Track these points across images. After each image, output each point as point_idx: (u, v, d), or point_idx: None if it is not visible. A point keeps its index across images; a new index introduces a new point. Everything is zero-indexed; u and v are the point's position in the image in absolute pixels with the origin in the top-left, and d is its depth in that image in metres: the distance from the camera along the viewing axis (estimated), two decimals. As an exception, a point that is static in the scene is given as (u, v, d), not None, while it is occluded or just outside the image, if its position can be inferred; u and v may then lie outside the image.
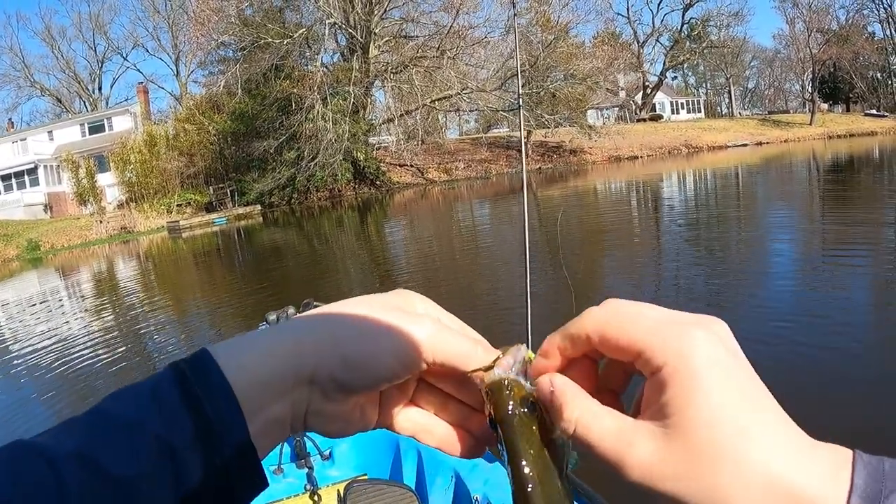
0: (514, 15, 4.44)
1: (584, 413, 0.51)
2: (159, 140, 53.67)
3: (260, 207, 48.69)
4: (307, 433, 3.64)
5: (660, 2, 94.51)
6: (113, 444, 0.50)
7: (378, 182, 53.10)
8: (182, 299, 16.99)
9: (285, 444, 3.87)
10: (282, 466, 3.85)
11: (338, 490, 3.22)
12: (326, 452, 4.02)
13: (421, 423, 0.64)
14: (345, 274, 17.47)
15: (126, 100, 78.56)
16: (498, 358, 0.58)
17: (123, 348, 11.82)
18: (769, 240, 15.72)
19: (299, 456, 3.82)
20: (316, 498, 3.50)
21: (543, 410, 0.55)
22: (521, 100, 4.53)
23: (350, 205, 44.96)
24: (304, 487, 3.65)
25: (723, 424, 0.45)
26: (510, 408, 0.55)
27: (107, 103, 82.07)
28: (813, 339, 7.58)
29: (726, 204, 25.03)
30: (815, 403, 5.63)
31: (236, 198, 50.36)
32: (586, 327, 0.53)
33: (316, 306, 3.11)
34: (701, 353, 0.48)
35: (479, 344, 0.60)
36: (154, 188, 51.62)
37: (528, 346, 0.53)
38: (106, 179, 53.42)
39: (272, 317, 4.12)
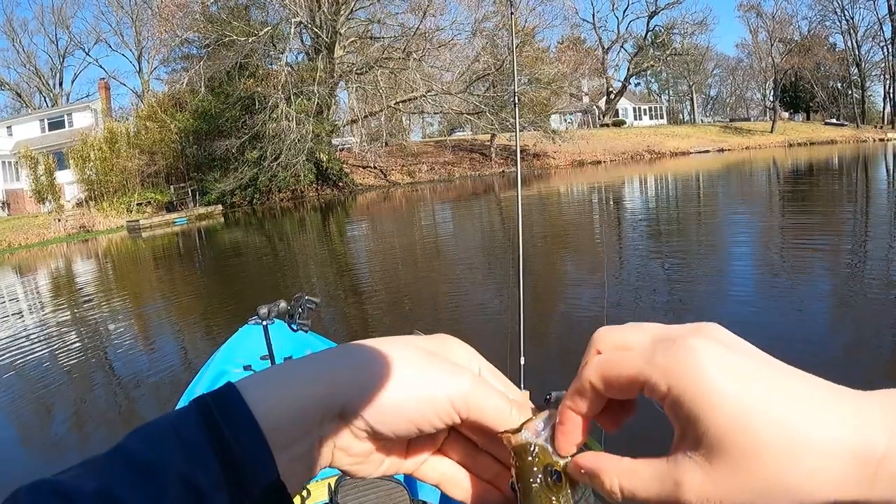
0: (512, 14, 4.41)
1: (621, 477, 0.51)
2: (120, 137, 52.97)
3: (221, 207, 48.26)
4: None
5: (625, 9, 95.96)
6: (136, 486, 0.49)
7: (341, 183, 52.94)
8: (140, 300, 16.80)
9: None
10: None
11: (329, 483, 3.17)
12: None
13: (448, 474, 0.62)
14: (306, 276, 17.37)
15: (87, 96, 77.79)
16: (529, 420, 0.58)
17: (79, 346, 11.73)
18: (729, 241, 16.00)
19: None
20: (305, 493, 3.44)
21: (568, 481, 0.56)
22: (516, 97, 4.50)
23: (312, 206, 44.78)
24: None
25: (754, 421, 0.44)
26: (532, 474, 0.56)
27: (67, 99, 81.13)
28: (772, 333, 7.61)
29: (688, 208, 25.27)
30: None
31: (197, 198, 49.93)
32: (589, 378, 0.54)
33: (309, 300, 3.09)
34: (700, 362, 0.47)
35: (514, 404, 0.58)
36: (114, 186, 50.98)
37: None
38: (65, 177, 52.60)
39: (263, 310, 4.14)
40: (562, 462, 0.57)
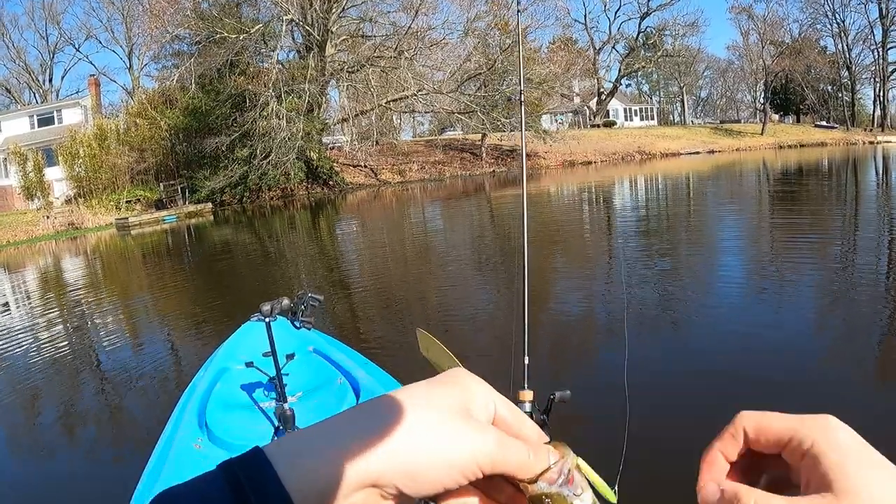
0: (519, 12, 4.32)
1: (760, 501, 0.57)
2: (110, 134, 52.81)
3: (211, 205, 48.11)
4: (298, 426, 3.68)
5: (617, 10, 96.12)
6: None
7: (331, 182, 52.82)
8: (129, 298, 16.72)
9: (276, 436, 3.83)
10: None
11: None
12: None
13: (466, 501, 0.62)
14: (296, 275, 17.27)
15: (77, 92, 77.29)
16: (546, 470, 0.60)
17: (67, 344, 11.65)
18: (721, 240, 16.04)
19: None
20: None
21: None
22: (522, 95, 4.42)
23: (302, 204, 44.70)
24: None
25: (878, 487, 0.53)
26: None
27: (57, 95, 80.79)
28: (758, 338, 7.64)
29: (678, 208, 25.26)
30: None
31: (187, 195, 49.77)
32: (743, 423, 0.63)
33: (312, 297, 2.97)
34: (838, 430, 0.57)
35: (532, 449, 0.60)
36: (103, 183, 50.79)
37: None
38: (54, 173, 52.39)
39: (266, 307, 4.12)
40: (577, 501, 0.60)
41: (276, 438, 3.70)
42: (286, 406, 3.68)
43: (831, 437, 0.57)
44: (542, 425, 2.47)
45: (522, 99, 4.25)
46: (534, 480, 0.60)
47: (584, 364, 7.91)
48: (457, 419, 0.59)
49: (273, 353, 4.14)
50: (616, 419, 6.41)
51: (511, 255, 17.01)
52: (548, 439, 0.64)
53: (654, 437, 5.81)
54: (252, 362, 4.40)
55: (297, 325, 4.26)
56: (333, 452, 0.55)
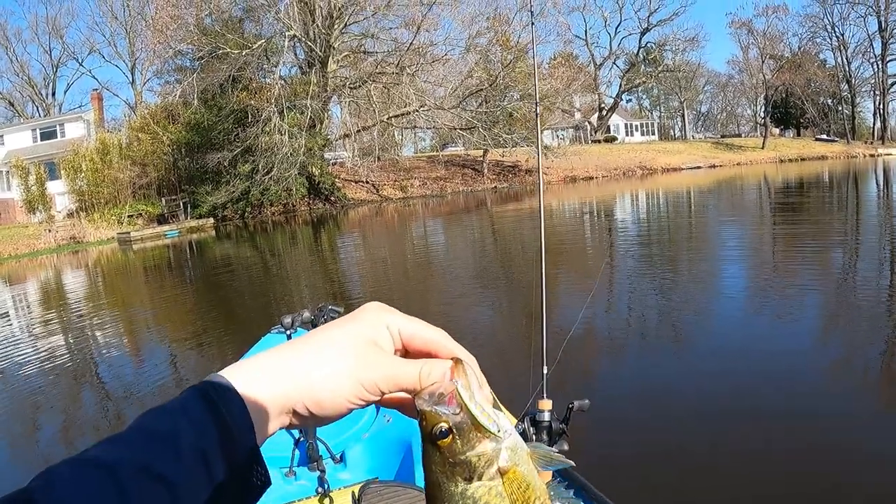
0: (532, 24, 4.32)
1: None
2: (112, 148, 52.84)
3: (213, 221, 48.17)
4: (319, 437, 3.76)
5: (617, 26, 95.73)
6: (161, 453, 0.62)
7: (333, 198, 52.83)
8: (130, 313, 16.71)
9: (297, 447, 3.84)
10: (294, 469, 3.80)
11: (353, 492, 3.17)
12: (338, 456, 3.96)
13: (398, 401, 0.77)
14: (297, 291, 17.27)
15: (80, 106, 77.21)
16: (423, 389, 0.71)
17: (67, 358, 11.66)
18: (725, 255, 16.07)
19: (311, 459, 3.76)
20: (328, 501, 3.49)
21: (455, 435, 0.68)
22: (538, 107, 4.47)
23: (304, 220, 44.70)
24: (316, 490, 3.62)
25: None
26: (424, 433, 0.69)
27: (60, 109, 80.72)
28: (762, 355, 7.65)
29: (679, 224, 25.31)
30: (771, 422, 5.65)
31: (189, 210, 49.82)
32: None
33: (332, 310, 3.02)
34: None
35: (428, 368, 0.72)
36: (105, 198, 50.83)
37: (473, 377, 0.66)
38: (56, 187, 52.42)
39: (287, 319, 4.16)
40: (453, 420, 0.68)
41: (295, 450, 3.74)
42: (307, 417, 3.71)
43: None
44: (562, 434, 2.49)
45: (539, 111, 4.27)
46: (414, 398, 0.71)
47: (596, 374, 7.93)
48: (354, 352, 0.73)
49: None
50: (630, 426, 6.47)
51: (519, 269, 17.09)
52: (458, 359, 0.72)
53: (648, 441, 5.84)
54: None
55: None
56: (268, 381, 0.70)
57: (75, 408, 8.94)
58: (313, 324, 4.21)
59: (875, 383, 7.17)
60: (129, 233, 43.11)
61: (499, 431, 0.69)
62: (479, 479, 0.69)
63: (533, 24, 3.98)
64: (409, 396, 0.74)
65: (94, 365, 11.32)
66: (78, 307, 18.63)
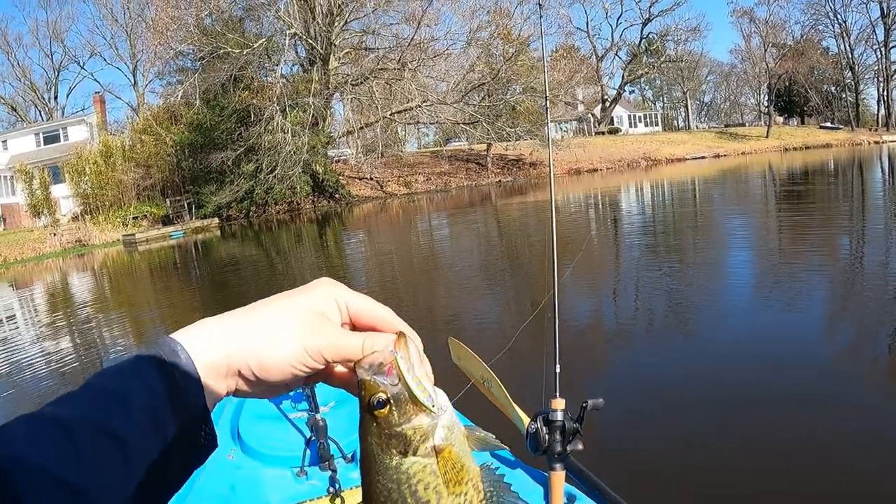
0: (541, 17, 4.26)
1: None
2: (115, 151, 52.91)
3: (217, 220, 48.19)
4: (331, 437, 3.64)
5: (619, 17, 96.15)
6: (114, 411, 0.65)
7: (337, 195, 52.79)
8: (137, 315, 16.67)
9: (308, 447, 3.76)
10: (305, 469, 3.74)
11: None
12: (350, 455, 3.90)
13: (345, 379, 0.80)
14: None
15: (82, 109, 77.53)
16: (363, 358, 0.74)
17: (75, 360, 11.57)
18: (727, 250, 15.99)
19: (322, 458, 3.69)
20: (339, 501, 3.42)
21: (392, 405, 0.70)
22: (547, 102, 4.39)
23: (309, 218, 44.66)
24: (327, 490, 3.54)
25: None
26: (362, 403, 0.71)
27: (63, 113, 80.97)
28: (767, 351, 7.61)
29: (685, 214, 25.26)
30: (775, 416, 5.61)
31: (193, 210, 49.84)
32: None
33: None
34: None
35: (370, 340, 0.75)
36: (109, 200, 50.88)
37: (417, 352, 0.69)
38: (60, 191, 52.53)
39: None
40: (391, 391, 0.71)
41: (306, 450, 3.70)
42: (318, 416, 3.65)
43: None
44: (576, 433, 2.43)
45: (547, 105, 4.20)
46: (355, 367, 0.74)
47: (608, 369, 7.88)
48: (300, 320, 0.76)
49: None
50: (644, 422, 6.42)
51: (527, 263, 17.04)
52: (402, 333, 0.75)
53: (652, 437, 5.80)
54: None
55: None
56: (218, 345, 0.73)
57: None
58: None
59: (885, 370, 7.12)
60: (134, 234, 43.09)
61: (433, 407, 0.71)
62: (414, 453, 0.71)
63: (542, 16, 3.91)
64: (352, 376, 0.76)
65: (101, 366, 11.27)
66: (84, 309, 18.62)
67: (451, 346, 3.55)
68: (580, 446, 2.42)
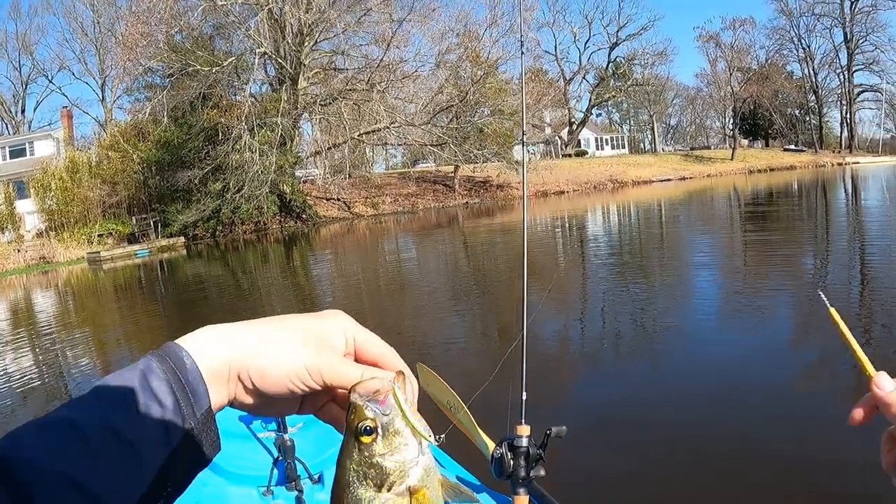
0: (522, 47, 4.35)
1: None
2: (82, 167, 52.36)
3: (184, 240, 47.83)
4: (297, 456, 3.66)
5: (587, 41, 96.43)
6: (123, 414, 0.67)
7: (304, 216, 52.57)
8: (101, 335, 16.53)
9: (275, 466, 3.78)
10: (271, 489, 3.76)
11: None
12: (316, 476, 3.93)
13: (335, 416, 0.82)
14: (271, 310, 17.11)
15: (49, 124, 76.70)
16: (360, 383, 0.74)
17: (36, 379, 11.50)
18: (692, 271, 16.18)
19: (289, 479, 3.72)
20: None
21: (379, 435, 0.71)
22: (524, 124, 4.47)
23: (276, 238, 44.51)
24: None
25: None
26: (350, 427, 0.72)
27: (29, 127, 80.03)
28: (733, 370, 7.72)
29: (650, 235, 25.48)
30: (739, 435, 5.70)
31: (159, 229, 49.44)
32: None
33: None
34: None
35: (367, 373, 0.77)
36: (75, 217, 50.34)
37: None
38: (25, 206, 51.91)
39: None
40: (381, 420, 0.72)
41: (273, 469, 3.74)
42: (286, 436, 3.69)
43: None
44: (538, 460, 2.51)
45: (525, 125, 4.30)
46: (349, 391, 0.74)
47: (572, 395, 7.96)
48: (305, 340, 0.78)
49: None
50: (607, 447, 6.49)
51: (493, 285, 17.12)
52: (402, 372, 0.78)
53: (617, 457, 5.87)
54: None
55: None
56: (222, 342, 0.76)
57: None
58: None
59: (849, 388, 7.25)
60: (98, 252, 42.67)
61: (429, 437, 0.73)
62: (389, 489, 0.71)
63: (523, 54, 4.01)
64: (343, 415, 0.77)
65: (64, 385, 11.22)
66: (48, 327, 18.47)
67: (420, 372, 3.62)
68: (542, 472, 2.49)
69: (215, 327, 0.79)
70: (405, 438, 0.72)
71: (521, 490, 2.50)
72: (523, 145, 4.17)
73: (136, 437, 0.67)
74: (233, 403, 0.79)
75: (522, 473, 2.49)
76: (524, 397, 2.70)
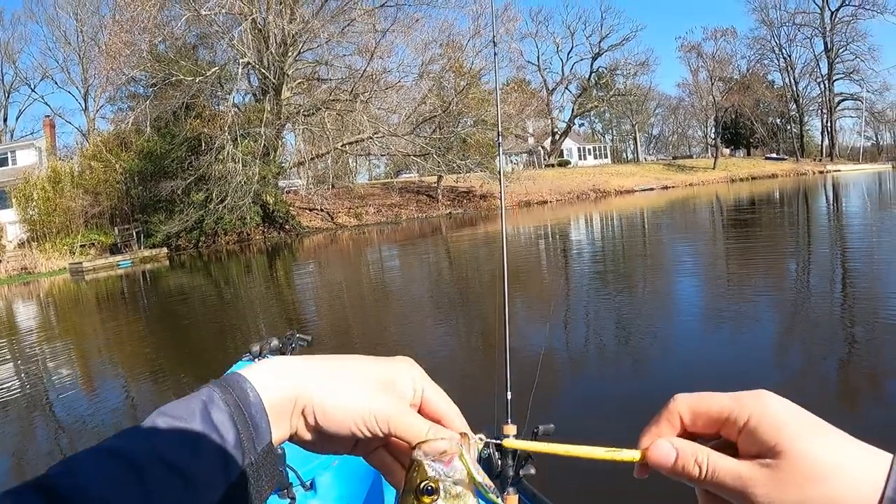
0: (496, 55, 4.38)
1: (711, 455, 0.64)
2: (64, 177, 52.03)
3: (166, 250, 47.56)
4: (289, 463, 3.73)
5: (569, 51, 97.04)
6: (180, 447, 0.64)
7: (287, 226, 52.49)
8: (83, 346, 16.45)
9: None
10: None
11: None
12: (308, 483, 3.93)
13: (386, 463, 0.80)
14: (253, 322, 17.16)
15: (31, 133, 76.45)
16: (426, 441, 0.72)
17: (18, 390, 11.46)
18: (675, 279, 16.24)
19: (281, 486, 3.72)
20: None
21: (440, 497, 0.69)
22: (500, 131, 4.49)
23: (259, 249, 44.40)
24: None
25: (816, 450, 0.59)
26: (410, 484, 0.70)
27: (12, 136, 79.49)
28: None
29: (634, 244, 25.58)
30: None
31: (142, 240, 49.25)
32: (678, 408, 0.68)
33: (300, 338, 3.08)
34: (773, 402, 0.63)
35: (433, 428, 0.75)
36: (57, 227, 50.02)
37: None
38: (7, 216, 51.59)
39: (255, 347, 4.22)
40: (444, 482, 0.70)
41: None
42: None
43: (767, 410, 0.62)
44: (528, 458, 2.52)
45: (500, 132, 4.32)
46: (414, 447, 0.72)
47: (559, 397, 7.98)
48: (375, 384, 0.77)
49: None
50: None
51: (476, 294, 17.14)
52: (466, 434, 0.76)
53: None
54: None
55: None
56: (287, 375, 0.75)
57: (27, 440, 8.82)
58: (281, 352, 4.23)
59: (833, 394, 7.31)
60: (81, 263, 42.41)
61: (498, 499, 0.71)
62: None
63: (495, 53, 4.04)
64: (398, 464, 0.78)
65: (45, 396, 11.16)
66: (29, 339, 18.38)
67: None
68: (532, 471, 2.50)
69: (281, 360, 0.77)
70: (465, 502, 0.70)
71: (511, 489, 2.51)
72: (499, 147, 4.18)
73: (194, 471, 0.65)
74: (292, 438, 0.77)
75: (511, 472, 2.50)
76: (509, 397, 2.71)
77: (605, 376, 8.80)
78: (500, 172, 3.81)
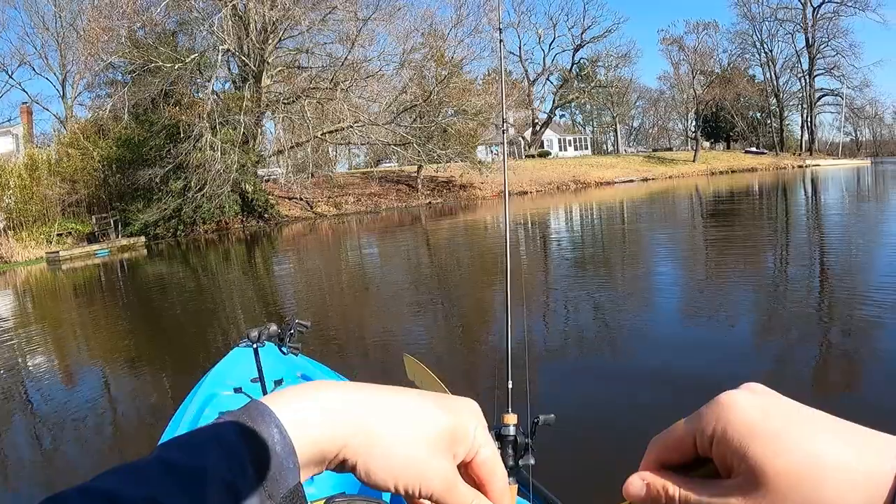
0: (501, 41, 4.29)
1: (685, 483, 0.59)
2: (41, 164, 51.48)
3: (144, 239, 47.17)
4: None
5: (551, 42, 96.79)
6: (184, 493, 0.54)
7: (266, 215, 52.22)
8: (61, 336, 16.30)
9: None
10: None
11: None
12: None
13: None
14: (231, 311, 17.04)
15: (9, 120, 75.45)
16: None
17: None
18: (656, 270, 16.31)
19: None
20: None
21: None
22: (505, 124, 4.39)
23: (238, 238, 44.18)
24: None
25: (786, 451, 0.53)
26: None
27: (-13, 123, 79.10)
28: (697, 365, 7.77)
29: (613, 235, 25.62)
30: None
31: (120, 228, 48.81)
32: (653, 452, 0.64)
33: (299, 324, 2.95)
34: (734, 408, 0.57)
35: (479, 498, 0.68)
36: (34, 216, 49.51)
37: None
38: (-18, 205, 51.24)
39: (254, 333, 4.14)
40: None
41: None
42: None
43: (730, 419, 0.57)
44: (527, 448, 2.44)
45: (505, 128, 4.23)
46: None
47: (552, 386, 7.94)
48: (431, 442, 0.66)
49: (261, 378, 4.12)
50: (592, 436, 6.47)
51: (456, 283, 17.10)
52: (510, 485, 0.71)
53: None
54: (241, 388, 4.36)
55: (285, 351, 4.28)
56: (326, 423, 0.63)
57: (3, 431, 8.68)
58: (280, 338, 4.17)
59: (808, 382, 7.32)
60: (58, 252, 42.01)
61: None
62: None
63: (501, 41, 3.92)
64: None
65: (23, 389, 11.00)
66: (4, 328, 18.18)
67: (406, 363, 3.54)
68: (532, 461, 2.42)
69: (318, 390, 0.66)
70: None
71: (511, 479, 2.43)
72: (504, 135, 4.08)
73: None
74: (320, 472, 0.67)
75: (511, 462, 2.42)
76: (510, 386, 2.63)
77: (604, 364, 8.83)
78: (503, 163, 3.68)
